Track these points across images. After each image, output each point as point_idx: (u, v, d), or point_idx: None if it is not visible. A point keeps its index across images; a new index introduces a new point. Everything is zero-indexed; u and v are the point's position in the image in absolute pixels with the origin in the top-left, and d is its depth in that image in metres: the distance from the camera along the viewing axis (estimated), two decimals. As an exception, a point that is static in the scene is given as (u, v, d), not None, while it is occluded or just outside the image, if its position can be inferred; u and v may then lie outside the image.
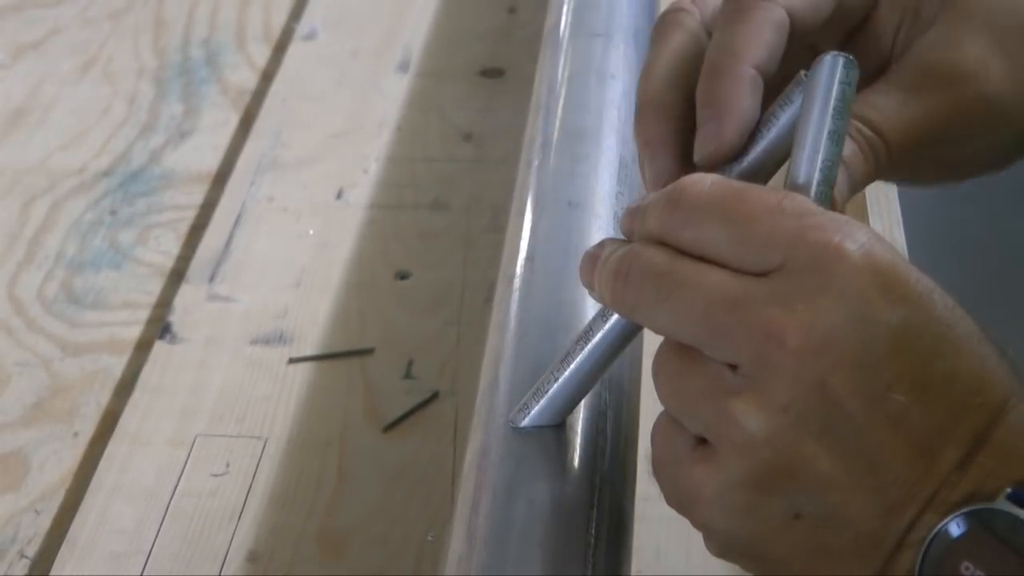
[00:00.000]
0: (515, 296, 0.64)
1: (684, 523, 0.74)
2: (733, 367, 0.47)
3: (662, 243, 0.49)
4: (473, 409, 0.60)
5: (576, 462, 0.55)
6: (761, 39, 0.52)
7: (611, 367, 0.55)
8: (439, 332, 0.86)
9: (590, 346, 0.54)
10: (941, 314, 0.47)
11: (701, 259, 0.48)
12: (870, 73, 0.56)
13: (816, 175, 0.50)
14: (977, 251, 1.28)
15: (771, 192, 0.48)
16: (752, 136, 0.52)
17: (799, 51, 0.55)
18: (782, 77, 0.53)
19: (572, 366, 0.55)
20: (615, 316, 0.54)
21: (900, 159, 0.54)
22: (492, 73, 1.09)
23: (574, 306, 0.62)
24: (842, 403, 0.46)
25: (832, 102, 0.50)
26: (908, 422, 0.46)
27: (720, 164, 0.52)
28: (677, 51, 0.54)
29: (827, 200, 0.50)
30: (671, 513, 0.74)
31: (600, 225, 0.67)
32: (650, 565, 0.72)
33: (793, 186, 0.50)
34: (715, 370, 0.48)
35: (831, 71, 0.50)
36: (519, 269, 0.65)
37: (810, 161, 0.50)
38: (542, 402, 0.56)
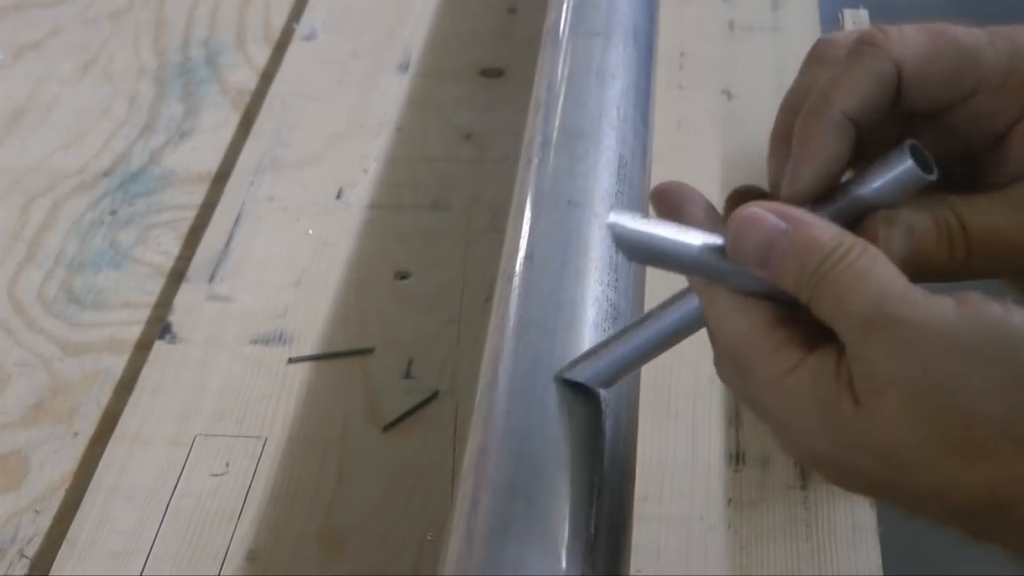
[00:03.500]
0: (514, 295, 0.63)
1: (684, 523, 0.74)
2: None
3: None
4: (473, 409, 0.60)
5: (576, 462, 0.55)
6: (858, 87, 0.52)
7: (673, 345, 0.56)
8: (439, 332, 0.86)
9: (664, 319, 0.55)
10: None
11: None
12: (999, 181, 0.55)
13: None
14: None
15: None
16: (845, 186, 0.53)
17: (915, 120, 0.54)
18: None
19: (641, 335, 0.55)
20: (694, 299, 0.54)
21: (985, 262, 0.54)
22: (492, 73, 1.09)
23: (573, 305, 0.62)
24: None
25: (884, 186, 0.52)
26: None
27: (802, 203, 0.52)
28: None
29: None
30: (671, 513, 0.74)
31: (600, 224, 0.67)
32: (650, 565, 0.72)
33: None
34: None
35: (903, 164, 0.51)
36: (518, 268, 0.65)
37: None
38: (600, 362, 0.56)
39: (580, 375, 0.57)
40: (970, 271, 0.54)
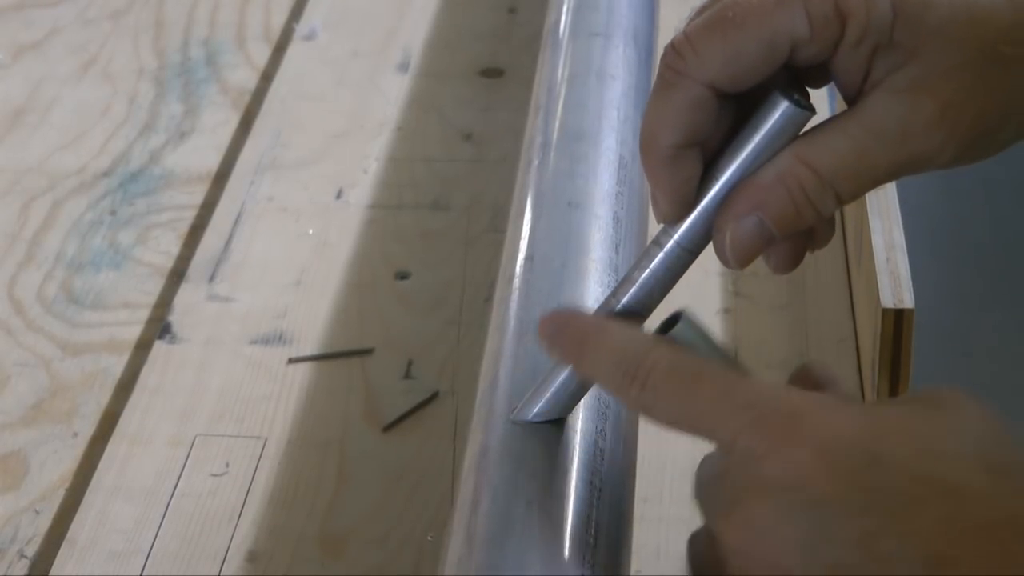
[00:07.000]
0: (515, 296, 0.64)
1: (684, 523, 0.74)
2: None
3: None
4: (473, 409, 0.60)
5: (576, 462, 0.55)
6: (678, 121, 0.52)
7: None
8: (439, 332, 0.86)
9: None
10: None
11: None
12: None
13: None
14: (977, 251, 1.28)
15: (722, 378, 0.51)
16: (719, 166, 0.53)
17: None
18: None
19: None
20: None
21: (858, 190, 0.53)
22: (492, 73, 1.09)
23: (574, 307, 0.62)
24: None
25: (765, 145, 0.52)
26: None
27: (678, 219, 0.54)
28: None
29: None
30: (671, 513, 0.74)
31: (599, 225, 0.67)
32: (650, 566, 0.72)
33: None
34: None
35: (780, 118, 0.51)
36: (519, 269, 0.65)
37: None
38: (546, 397, 0.56)
39: (535, 416, 0.56)
40: (856, 195, 0.53)
